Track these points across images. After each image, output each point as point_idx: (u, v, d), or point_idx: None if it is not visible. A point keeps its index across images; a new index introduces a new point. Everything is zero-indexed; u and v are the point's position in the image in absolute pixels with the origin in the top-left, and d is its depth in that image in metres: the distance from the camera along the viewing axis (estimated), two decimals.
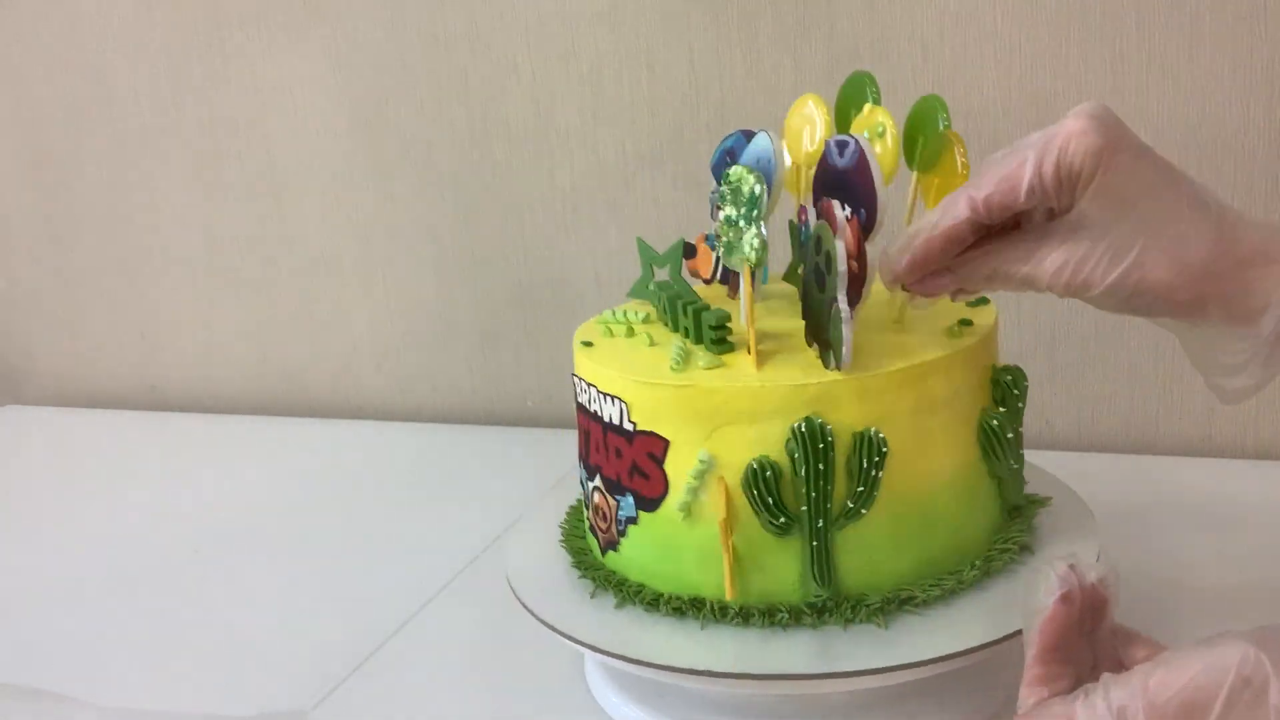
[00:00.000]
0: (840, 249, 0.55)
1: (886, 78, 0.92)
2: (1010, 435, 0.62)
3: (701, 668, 0.57)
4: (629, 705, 0.65)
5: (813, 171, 0.71)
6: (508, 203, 1.10)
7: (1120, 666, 0.48)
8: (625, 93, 1.02)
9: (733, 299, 0.68)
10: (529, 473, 0.97)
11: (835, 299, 0.56)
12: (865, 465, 0.57)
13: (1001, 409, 0.63)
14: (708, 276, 0.69)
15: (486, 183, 1.10)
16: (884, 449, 0.57)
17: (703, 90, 1.00)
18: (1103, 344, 0.95)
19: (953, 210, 0.52)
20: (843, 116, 0.70)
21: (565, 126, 1.05)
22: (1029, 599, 0.48)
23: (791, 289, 0.68)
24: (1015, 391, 0.63)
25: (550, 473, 0.92)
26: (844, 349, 0.56)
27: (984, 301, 0.68)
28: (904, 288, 0.57)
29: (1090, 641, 0.48)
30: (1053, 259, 0.50)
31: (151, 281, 1.27)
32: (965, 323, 0.63)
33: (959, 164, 0.63)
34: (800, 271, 0.69)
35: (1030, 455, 0.75)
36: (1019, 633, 0.53)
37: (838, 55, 0.95)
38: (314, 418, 1.23)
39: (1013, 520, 0.66)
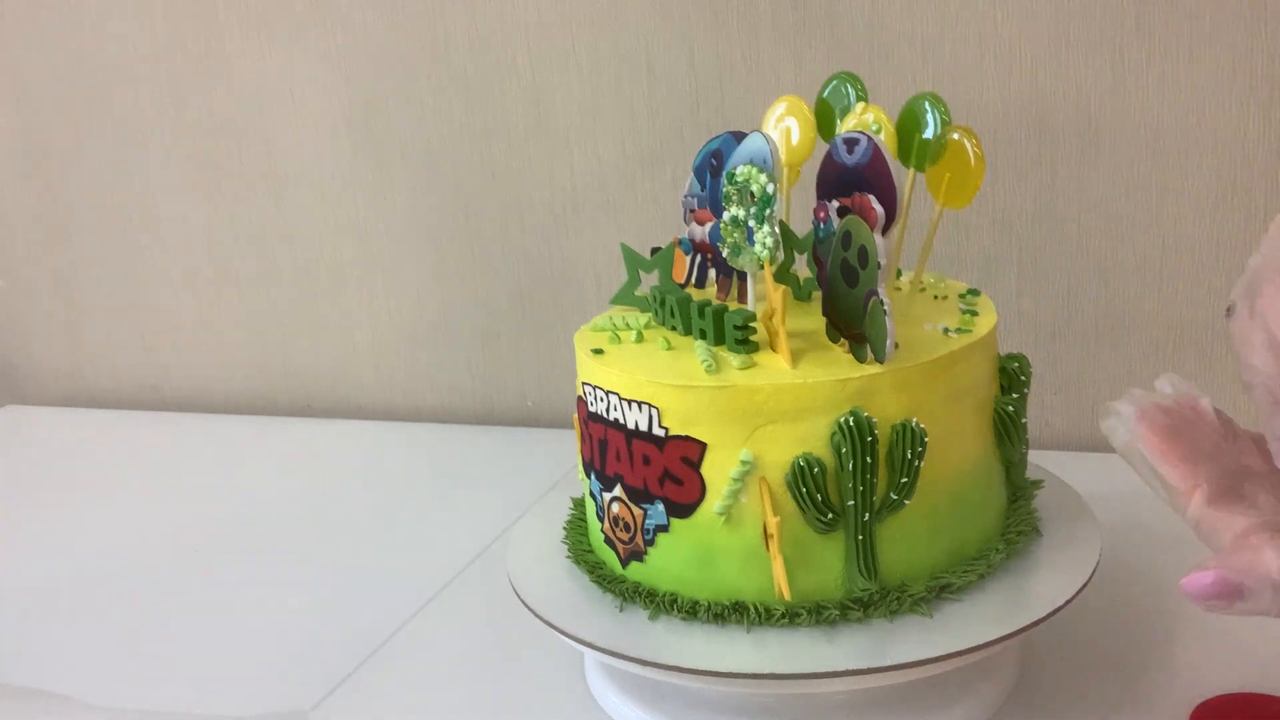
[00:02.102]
0: (879, 243, 0.56)
1: (887, 78, 0.93)
2: (1024, 420, 0.64)
3: (765, 671, 0.57)
4: (629, 705, 0.65)
5: (797, 172, 0.71)
6: (508, 203, 1.10)
7: None
8: (625, 93, 1.02)
9: (721, 300, 0.68)
10: (529, 473, 0.97)
11: (874, 292, 0.56)
12: (908, 456, 0.58)
13: (1013, 395, 0.64)
14: (682, 280, 0.69)
15: (486, 183, 1.10)
16: (924, 439, 0.58)
17: (703, 90, 1.00)
18: (1103, 344, 0.95)
19: None
20: (826, 117, 0.70)
21: (565, 126, 1.05)
22: (1117, 442, 0.45)
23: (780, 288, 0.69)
24: (1022, 378, 0.65)
25: (550, 473, 0.92)
26: (887, 341, 0.56)
27: (976, 293, 0.69)
28: None
29: (1215, 438, 0.45)
30: None
31: (151, 281, 1.27)
32: (971, 313, 0.64)
33: (971, 156, 0.63)
34: (793, 270, 0.69)
35: (1030, 455, 0.75)
36: (1061, 608, 0.56)
37: (838, 55, 0.95)
38: (314, 418, 1.23)
39: (1015, 503, 0.67)
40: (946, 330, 0.62)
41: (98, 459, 1.18)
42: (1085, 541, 0.65)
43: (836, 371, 0.58)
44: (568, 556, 0.69)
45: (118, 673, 0.77)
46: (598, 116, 1.04)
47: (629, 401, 0.61)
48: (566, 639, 0.62)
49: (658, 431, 0.60)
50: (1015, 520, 0.66)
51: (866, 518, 0.58)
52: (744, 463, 0.58)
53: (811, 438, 0.57)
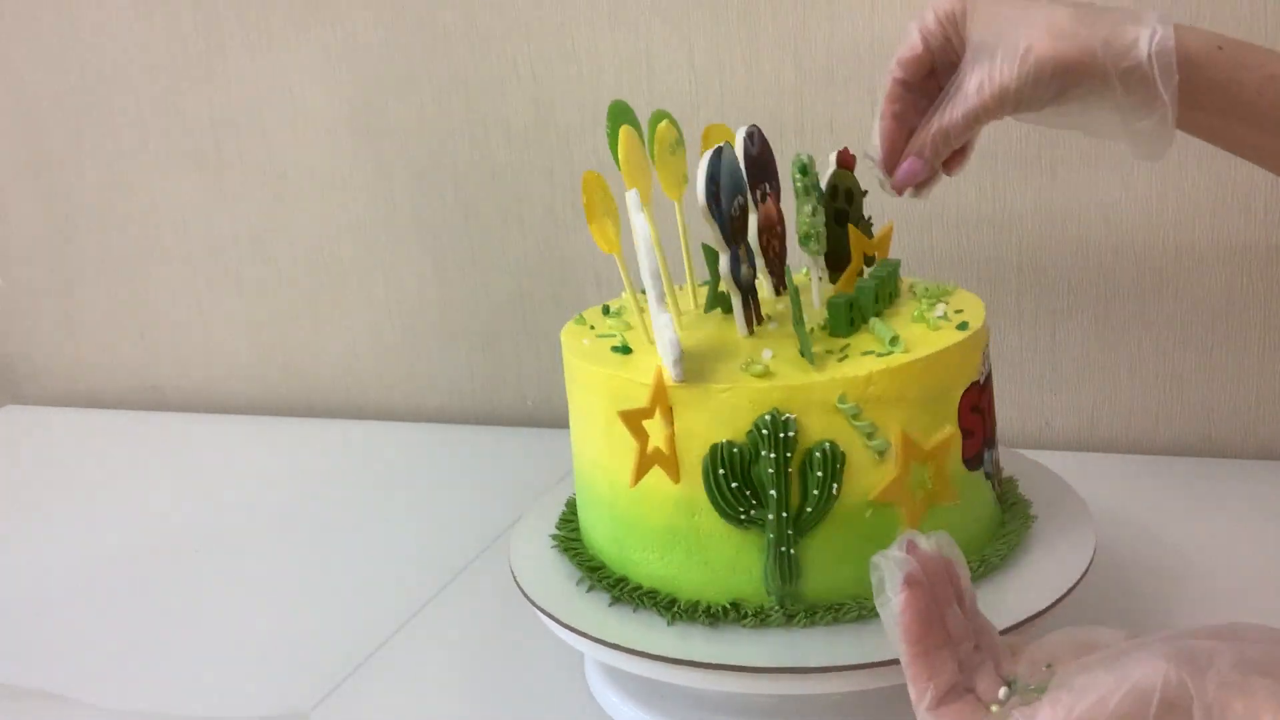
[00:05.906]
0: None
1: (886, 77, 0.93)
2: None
3: (757, 665, 0.57)
4: (629, 705, 0.65)
5: None
6: (508, 203, 1.10)
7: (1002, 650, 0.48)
8: (625, 93, 1.02)
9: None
10: (529, 473, 0.97)
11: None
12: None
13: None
14: None
15: (486, 183, 1.10)
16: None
17: (703, 90, 1.00)
18: (1103, 344, 0.95)
19: (884, 88, 0.65)
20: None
21: (565, 126, 1.05)
22: (880, 599, 0.46)
23: None
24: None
25: (550, 473, 0.92)
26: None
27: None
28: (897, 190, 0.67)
29: (960, 614, 0.48)
30: (972, 83, 0.62)
31: (151, 281, 1.28)
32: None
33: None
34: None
35: (1030, 455, 0.75)
36: (1049, 609, 0.56)
37: (838, 55, 0.95)
38: (314, 417, 1.23)
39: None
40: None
41: (98, 459, 1.18)
42: (1078, 546, 0.64)
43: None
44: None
45: (118, 673, 0.77)
46: (598, 116, 1.04)
47: None
48: (571, 634, 0.62)
49: None
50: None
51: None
52: None
53: None
